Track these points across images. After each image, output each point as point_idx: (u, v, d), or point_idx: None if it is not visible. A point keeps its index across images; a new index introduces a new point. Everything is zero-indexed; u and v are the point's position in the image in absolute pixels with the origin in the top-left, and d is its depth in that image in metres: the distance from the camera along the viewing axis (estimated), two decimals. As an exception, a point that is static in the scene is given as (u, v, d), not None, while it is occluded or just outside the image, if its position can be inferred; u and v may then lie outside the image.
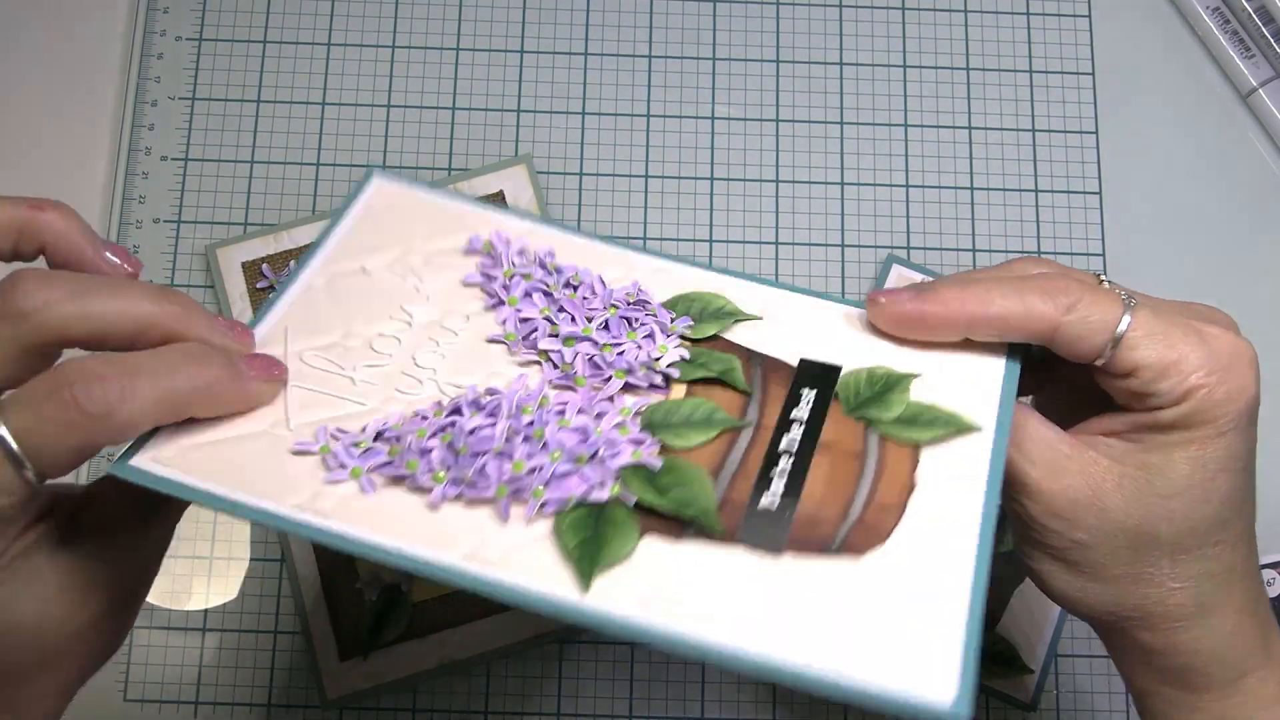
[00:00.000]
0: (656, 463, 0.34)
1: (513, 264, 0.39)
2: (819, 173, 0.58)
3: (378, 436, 0.35)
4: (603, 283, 0.39)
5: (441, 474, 0.34)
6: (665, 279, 0.40)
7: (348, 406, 0.36)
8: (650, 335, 0.37)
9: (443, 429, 0.35)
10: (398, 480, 0.34)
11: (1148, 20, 0.61)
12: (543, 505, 0.33)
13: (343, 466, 0.34)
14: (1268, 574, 0.53)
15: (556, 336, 0.37)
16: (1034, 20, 0.61)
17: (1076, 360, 0.35)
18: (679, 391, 0.37)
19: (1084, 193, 0.59)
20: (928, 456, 0.35)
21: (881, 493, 0.34)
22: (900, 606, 0.31)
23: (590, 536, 0.32)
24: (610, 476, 0.34)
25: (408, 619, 0.52)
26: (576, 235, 0.41)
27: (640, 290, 0.39)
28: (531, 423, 0.35)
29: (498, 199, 0.56)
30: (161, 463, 0.33)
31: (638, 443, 0.35)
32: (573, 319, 0.38)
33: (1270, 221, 0.59)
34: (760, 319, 0.38)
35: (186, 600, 0.53)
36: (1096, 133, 0.59)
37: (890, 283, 0.56)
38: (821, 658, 0.30)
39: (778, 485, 0.34)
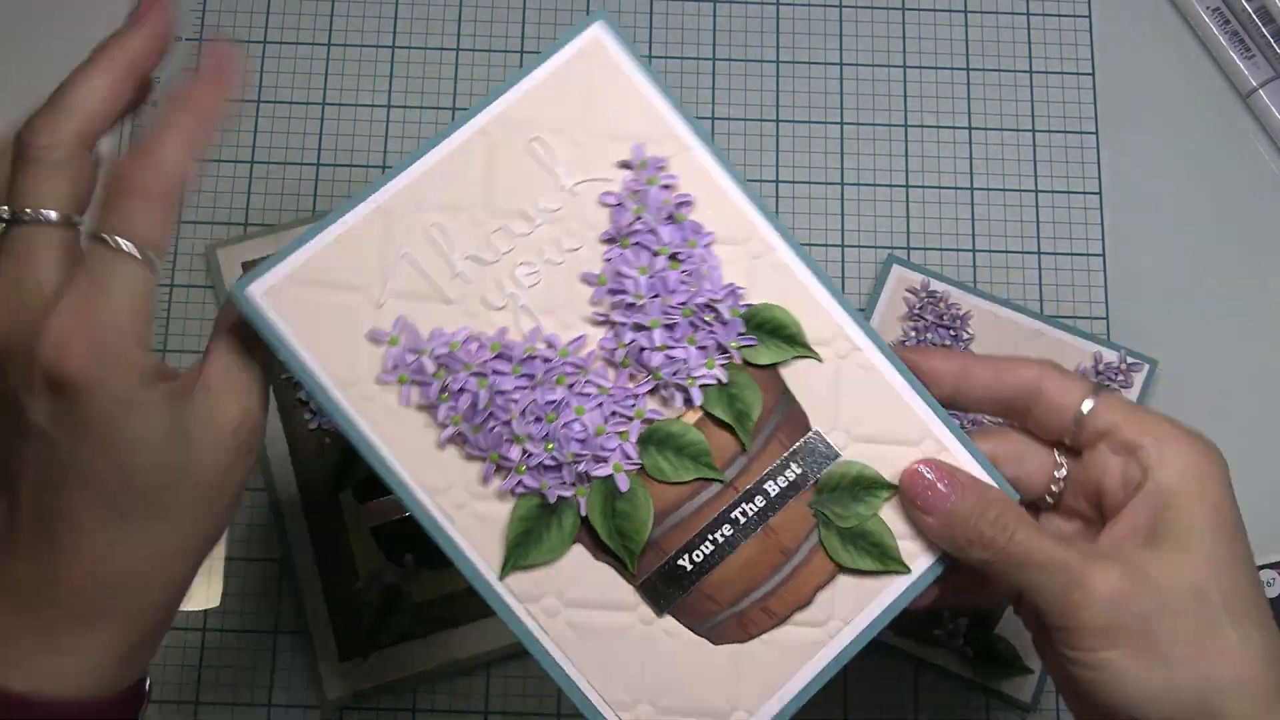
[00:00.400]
0: (625, 485, 0.37)
1: (645, 205, 0.39)
2: (819, 173, 0.58)
3: (434, 353, 0.37)
4: (705, 273, 0.39)
5: (457, 419, 0.37)
6: (776, 279, 0.39)
7: (434, 300, 0.38)
8: (705, 348, 0.38)
9: (482, 374, 0.37)
10: (425, 407, 0.37)
11: (1148, 20, 0.61)
12: (517, 484, 0.36)
13: (394, 369, 0.37)
14: (1268, 574, 0.53)
15: (633, 307, 0.39)
16: (1034, 20, 0.61)
17: (1046, 428, 0.39)
18: (692, 416, 0.38)
19: (1084, 193, 0.59)
20: (843, 581, 0.38)
21: (777, 597, 0.38)
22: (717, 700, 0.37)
23: (530, 530, 0.37)
24: (582, 481, 0.37)
25: (408, 619, 0.52)
26: (741, 194, 0.40)
27: (735, 292, 0.39)
28: (553, 402, 0.37)
29: None
30: (263, 294, 0.37)
31: (625, 457, 0.37)
32: (655, 296, 0.39)
33: (1270, 221, 0.59)
34: (820, 361, 0.39)
35: (187, 600, 0.53)
36: (1096, 133, 0.59)
37: (890, 283, 0.56)
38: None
39: (700, 552, 0.38)
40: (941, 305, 0.55)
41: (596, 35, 0.40)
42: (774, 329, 0.39)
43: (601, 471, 0.37)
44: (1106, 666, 0.36)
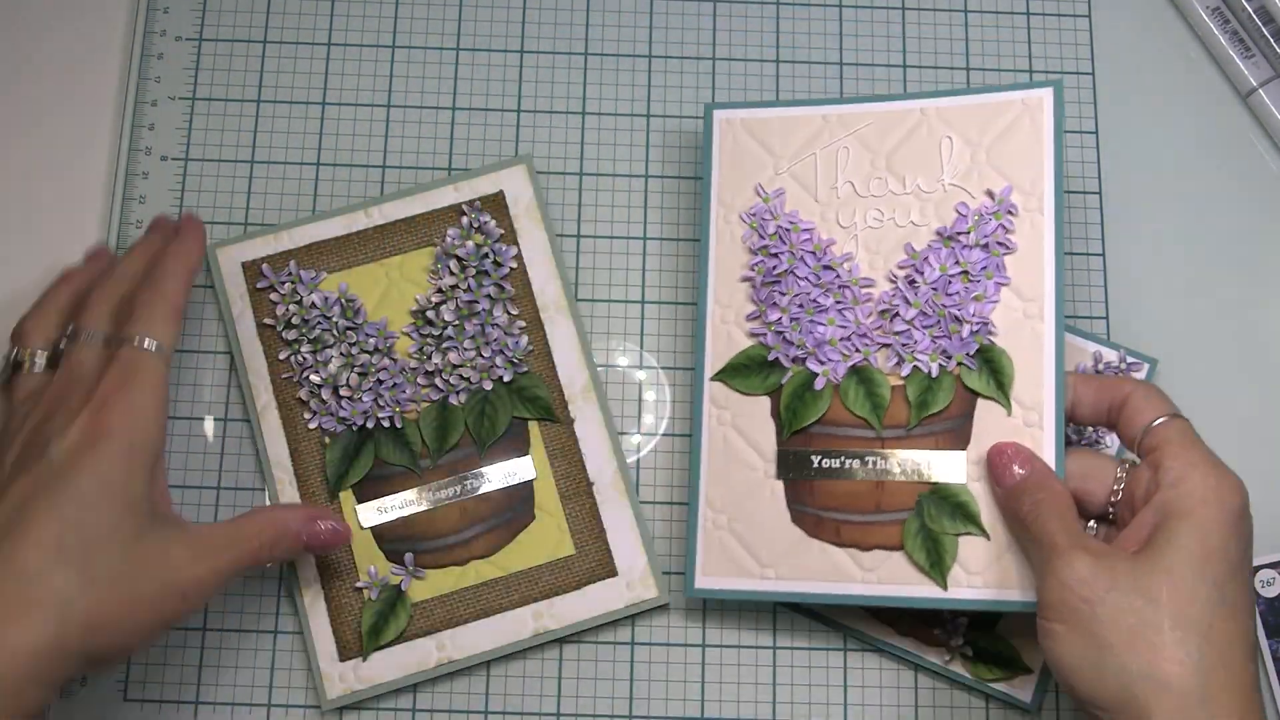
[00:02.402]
0: (820, 385, 0.51)
1: (979, 228, 0.50)
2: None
3: (780, 224, 0.53)
4: (979, 298, 0.50)
5: (760, 270, 0.52)
6: (1027, 340, 0.49)
7: (808, 194, 0.52)
8: (937, 344, 0.50)
9: (795, 256, 0.52)
10: (749, 249, 0.53)
11: (1148, 20, 0.61)
12: (762, 334, 0.52)
13: (753, 215, 0.53)
14: (1268, 574, 0.53)
15: (913, 285, 0.50)
16: (1034, 20, 0.61)
17: (1126, 439, 0.47)
18: (896, 381, 0.50)
19: (1084, 193, 0.59)
20: (897, 558, 0.50)
21: (853, 529, 0.50)
22: None
23: (747, 367, 0.53)
24: (797, 363, 0.52)
25: (407, 618, 0.52)
26: (1053, 270, 0.49)
27: (987, 325, 0.50)
28: (818, 304, 0.51)
29: (498, 199, 0.56)
30: (723, 118, 0.54)
31: (834, 371, 0.51)
32: (934, 288, 0.50)
33: (1270, 221, 0.59)
34: (1009, 414, 0.49)
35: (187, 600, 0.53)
36: (1096, 133, 0.59)
37: None
38: None
39: (829, 461, 0.51)
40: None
41: (1044, 98, 0.50)
42: (995, 369, 0.49)
43: (813, 366, 0.50)
44: (1052, 635, 0.43)
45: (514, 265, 0.55)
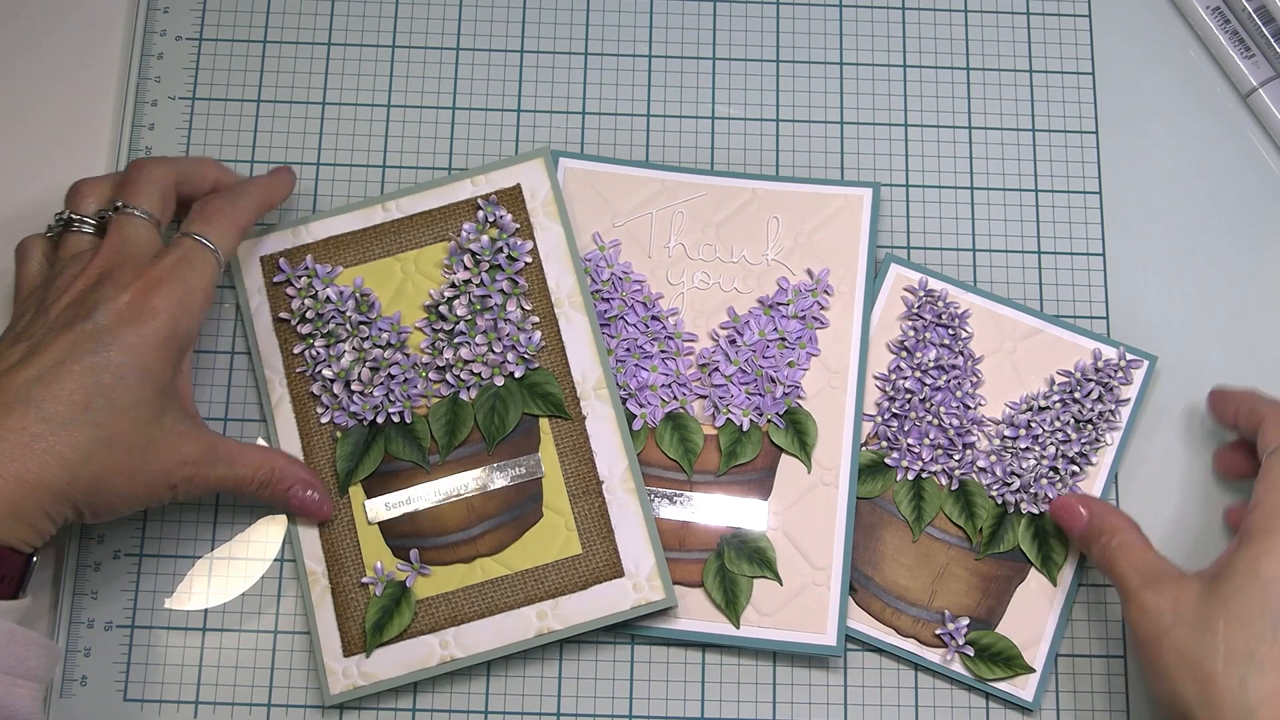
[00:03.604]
0: (638, 425, 0.55)
1: (794, 302, 0.56)
2: (819, 172, 0.58)
3: (615, 271, 0.57)
4: (791, 365, 0.55)
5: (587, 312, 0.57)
6: (831, 407, 0.55)
7: (642, 251, 0.56)
8: (751, 401, 0.55)
9: (626, 303, 0.56)
10: (593, 291, 0.57)
11: (1148, 20, 0.61)
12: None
13: (589, 261, 0.57)
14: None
15: (734, 344, 0.55)
16: (1034, 20, 0.61)
17: (1259, 443, 0.49)
18: (709, 430, 0.55)
19: (1084, 193, 0.59)
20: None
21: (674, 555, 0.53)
22: None
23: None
24: (622, 402, 0.55)
25: (412, 615, 0.52)
26: (858, 350, 0.55)
27: (798, 389, 0.55)
28: (644, 351, 0.55)
29: (515, 193, 0.55)
30: (569, 169, 0.57)
31: (652, 415, 0.55)
32: (753, 350, 0.55)
33: (1270, 221, 0.59)
34: (808, 472, 0.54)
35: (186, 600, 0.53)
36: (1096, 133, 0.59)
37: (889, 282, 0.56)
38: None
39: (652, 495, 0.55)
40: (940, 304, 0.56)
41: (864, 197, 0.56)
42: (800, 430, 0.54)
43: (633, 408, 0.54)
44: (1142, 665, 0.46)
45: (529, 260, 0.55)
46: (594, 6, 0.61)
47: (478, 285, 0.54)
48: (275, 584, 0.54)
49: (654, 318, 0.55)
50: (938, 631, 0.52)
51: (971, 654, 0.52)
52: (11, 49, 0.59)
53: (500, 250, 0.54)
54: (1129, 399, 0.55)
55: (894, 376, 0.55)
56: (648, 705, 0.53)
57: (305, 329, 0.54)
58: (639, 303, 0.55)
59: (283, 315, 0.54)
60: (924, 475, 0.54)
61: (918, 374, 0.54)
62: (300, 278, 0.54)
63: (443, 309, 0.54)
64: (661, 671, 0.53)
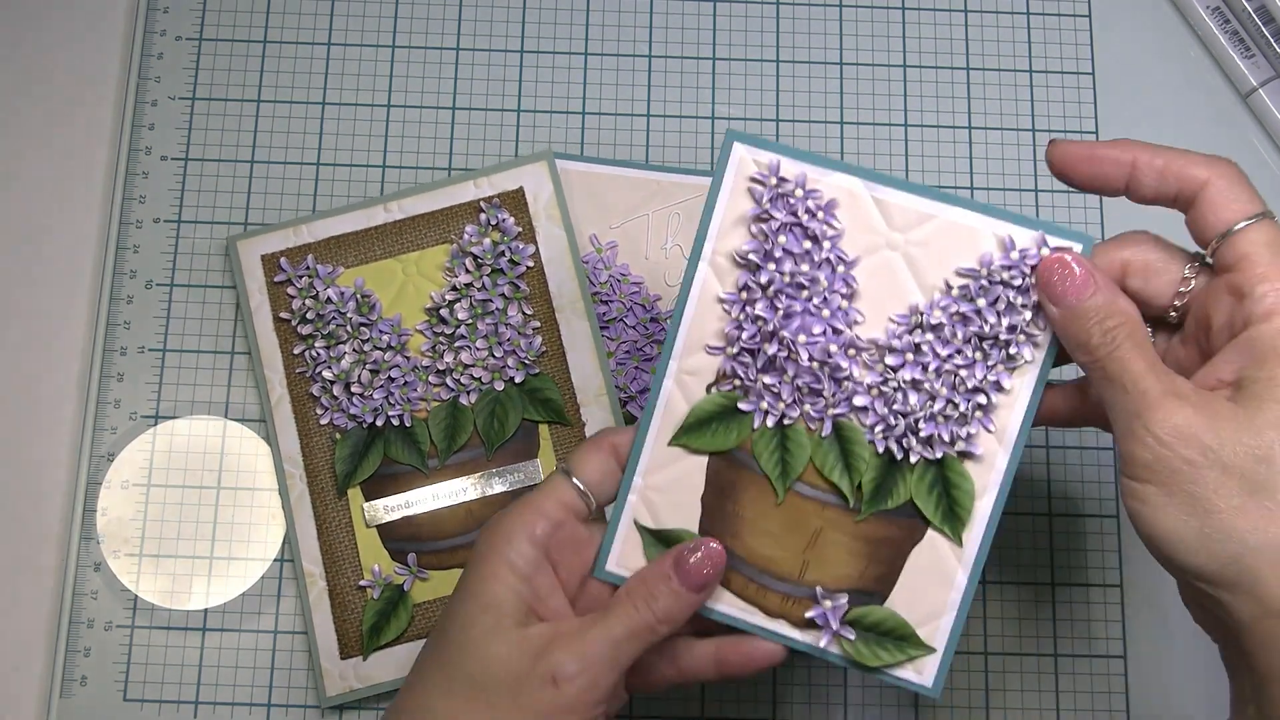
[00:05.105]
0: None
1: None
2: (819, 173, 0.58)
3: (613, 274, 0.56)
4: None
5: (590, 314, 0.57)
6: None
7: (639, 252, 0.56)
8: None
9: (625, 305, 0.56)
10: (594, 294, 0.57)
11: (1148, 20, 0.61)
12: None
13: (586, 263, 0.56)
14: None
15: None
16: (1034, 20, 0.61)
17: (1197, 237, 0.38)
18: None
19: (1084, 192, 0.58)
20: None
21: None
22: None
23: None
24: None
25: (409, 619, 0.52)
26: None
27: None
28: (636, 345, 0.55)
29: (517, 196, 0.55)
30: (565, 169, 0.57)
31: (626, 395, 0.55)
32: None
33: (1270, 221, 0.59)
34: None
35: (186, 600, 0.53)
36: (1096, 133, 0.59)
37: (733, 166, 0.45)
38: None
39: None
40: (795, 195, 0.41)
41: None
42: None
43: (634, 410, 0.53)
44: (1146, 498, 0.36)
45: (530, 264, 0.55)
46: (594, 6, 0.61)
47: (479, 289, 0.54)
48: (275, 584, 0.54)
49: (653, 319, 0.55)
50: (808, 614, 0.42)
51: (852, 637, 0.42)
52: (11, 49, 0.59)
53: (502, 254, 0.54)
54: None
55: (743, 297, 0.42)
56: (648, 705, 0.53)
57: (306, 329, 0.54)
58: (638, 304, 0.55)
59: (283, 315, 0.54)
60: (786, 421, 0.42)
61: (769, 295, 0.42)
62: (301, 277, 0.54)
63: (444, 312, 0.54)
64: (661, 672, 0.53)
